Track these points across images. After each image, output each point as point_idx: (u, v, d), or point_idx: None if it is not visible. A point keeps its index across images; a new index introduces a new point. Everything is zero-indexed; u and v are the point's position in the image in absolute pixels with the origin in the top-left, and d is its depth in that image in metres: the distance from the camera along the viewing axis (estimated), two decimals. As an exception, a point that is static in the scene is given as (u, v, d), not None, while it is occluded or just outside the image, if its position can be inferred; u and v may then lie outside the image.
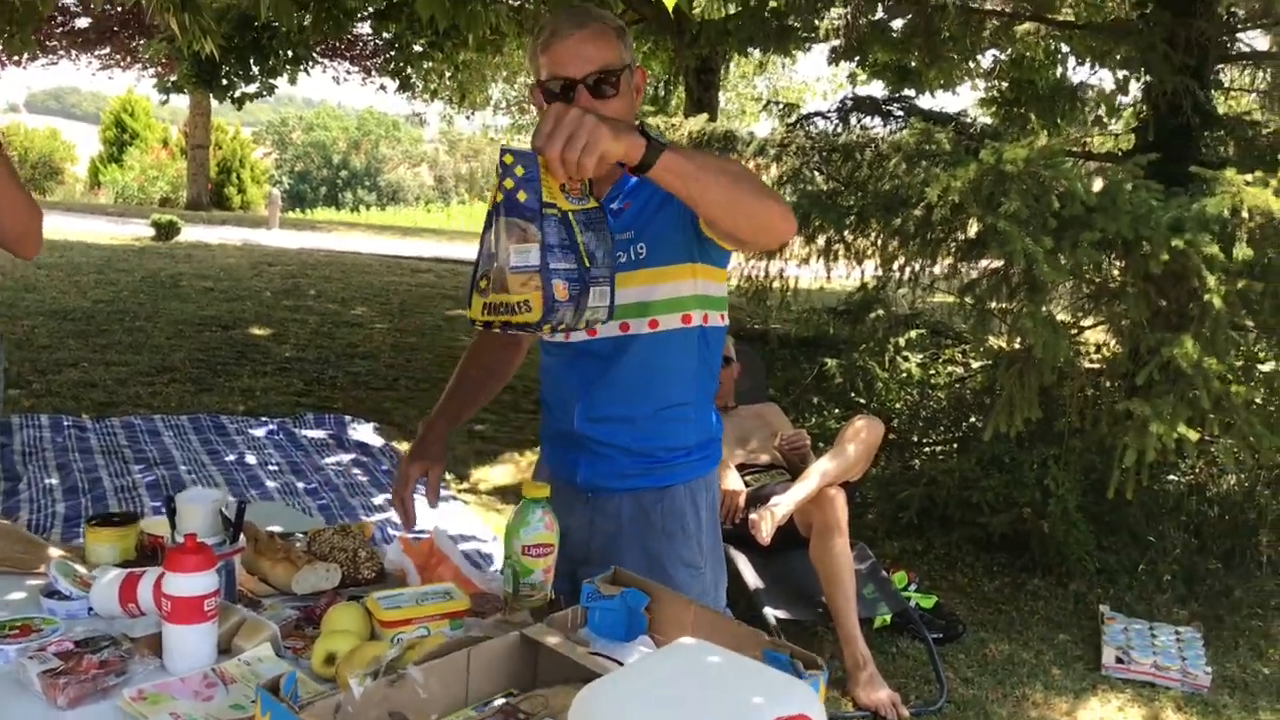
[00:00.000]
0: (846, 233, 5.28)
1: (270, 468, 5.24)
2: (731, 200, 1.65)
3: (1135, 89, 6.36)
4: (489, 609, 1.77)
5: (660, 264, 1.90)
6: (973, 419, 5.70)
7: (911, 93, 8.52)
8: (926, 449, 5.82)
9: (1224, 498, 5.04)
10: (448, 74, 15.59)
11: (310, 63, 12.83)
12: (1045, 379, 3.95)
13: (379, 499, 4.92)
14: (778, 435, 4.23)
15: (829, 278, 5.79)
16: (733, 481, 3.95)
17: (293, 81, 12.47)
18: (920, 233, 4.58)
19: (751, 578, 3.74)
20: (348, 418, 6.19)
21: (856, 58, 8.02)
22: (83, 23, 19.01)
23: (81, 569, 1.87)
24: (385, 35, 12.53)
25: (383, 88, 22.48)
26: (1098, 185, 4.24)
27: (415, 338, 9.12)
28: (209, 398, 6.58)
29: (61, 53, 19.88)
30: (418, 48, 11.88)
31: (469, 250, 17.45)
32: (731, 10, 7.19)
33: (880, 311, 6.04)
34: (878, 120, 6.63)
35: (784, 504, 3.66)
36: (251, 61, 11.28)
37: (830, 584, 3.62)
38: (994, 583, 4.60)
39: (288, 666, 1.56)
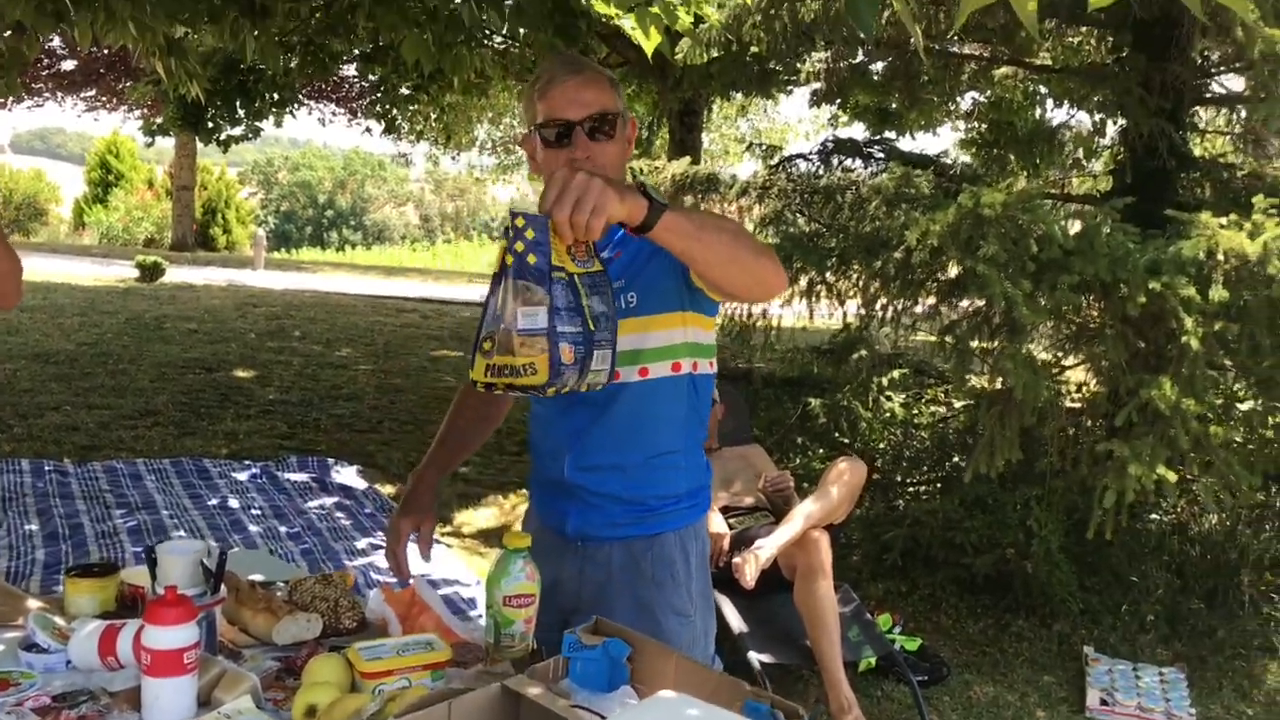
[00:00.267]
0: (828, 274, 5.32)
1: (253, 512, 5.22)
2: (727, 258, 1.69)
3: (1112, 131, 6.44)
4: (471, 659, 1.77)
5: (651, 312, 1.91)
6: (956, 459, 5.72)
7: (892, 134, 8.62)
8: (910, 489, 5.83)
9: (1206, 537, 5.06)
10: (433, 116, 15.70)
11: (296, 105, 12.90)
12: (1026, 420, 3.97)
13: (362, 543, 4.90)
14: (762, 477, 4.24)
15: (811, 317, 5.82)
16: (717, 524, 3.95)
17: (278, 124, 12.52)
18: (901, 274, 4.62)
19: (736, 621, 3.73)
20: (331, 460, 6.18)
21: (838, 100, 8.11)
22: (69, 65, 19.08)
23: (60, 621, 1.86)
24: (371, 77, 12.60)
25: (368, 130, 22.58)
26: (1076, 228, 4.29)
27: (400, 379, 9.11)
28: (192, 441, 6.56)
29: (47, 95, 19.93)
30: (403, 90, 11.97)
31: (454, 290, 17.48)
32: (714, 54, 7.25)
33: (863, 351, 6.07)
34: (859, 162, 6.70)
35: (768, 547, 3.66)
36: (237, 104, 11.31)
37: (815, 627, 3.62)
38: (978, 624, 4.60)
39: (268, 719, 1.56)
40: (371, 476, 6.08)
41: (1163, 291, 3.70)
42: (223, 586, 1.91)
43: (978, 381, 5.29)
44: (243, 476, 5.81)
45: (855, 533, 5.21)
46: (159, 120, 15.26)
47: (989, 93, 7.87)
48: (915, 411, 6.31)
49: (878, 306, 5.21)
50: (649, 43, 3.96)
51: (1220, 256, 3.79)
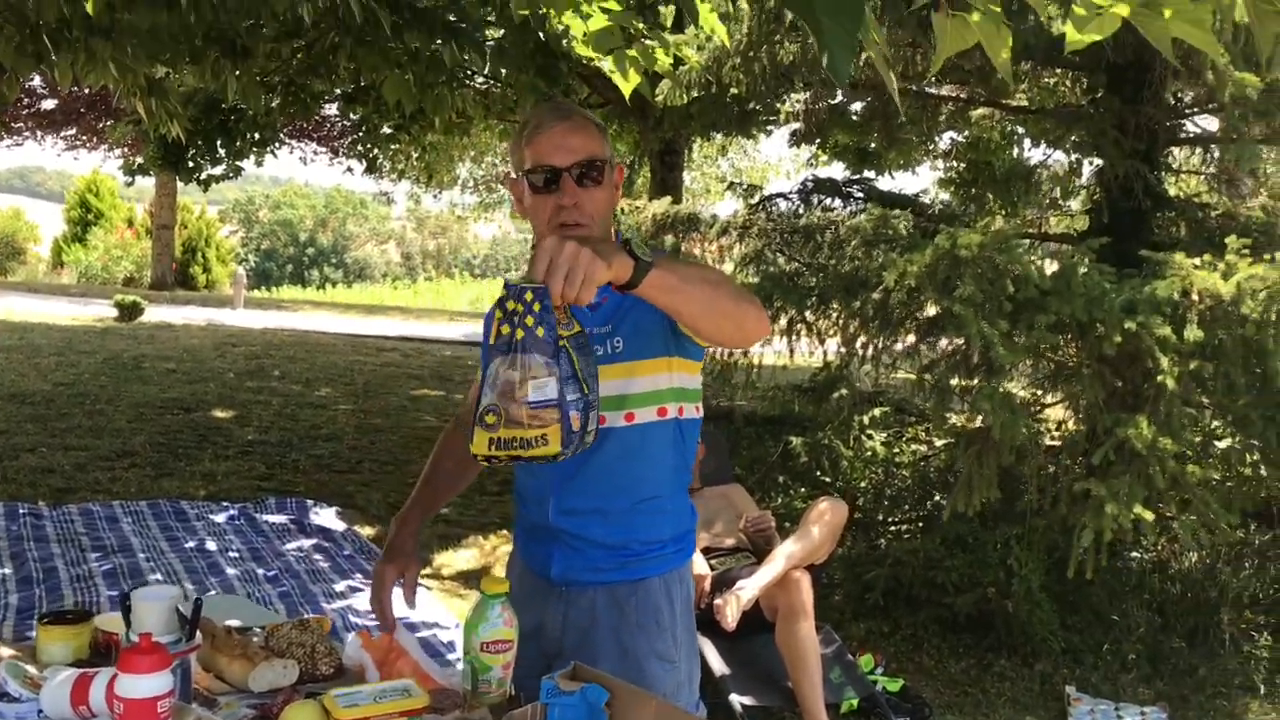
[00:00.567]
0: (808, 313, 5.35)
1: (230, 554, 5.17)
2: (711, 310, 1.71)
3: (1088, 172, 6.51)
4: (448, 705, 1.75)
5: (637, 358, 1.91)
6: (937, 497, 5.73)
7: (872, 174, 8.69)
8: (892, 528, 5.83)
9: (1186, 575, 5.07)
10: (415, 155, 15.76)
11: (277, 144, 12.94)
12: (1004, 459, 3.99)
13: (340, 585, 4.86)
14: (743, 517, 4.23)
15: (792, 356, 5.84)
16: (698, 565, 3.94)
17: (259, 163, 12.54)
18: (880, 314, 4.65)
19: (717, 663, 3.72)
20: (310, 502, 6.13)
21: (817, 140, 8.18)
22: (49, 104, 19.10)
23: (32, 669, 1.84)
24: (352, 117, 12.65)
25: (350, 169, 22.64)
26: (1053, 267, 4.33)
27: (380, 419, 9.07)
28: (169, 482, 6.51)
29: (27, 133, 19.93)
30: (385, 129, 12.02)
31: (435, 329, 17.46)
32: (694, 95, 7.32)
33: (844, 390, 6.08)
34: (838, 201, 6.75)
35: (749, 588, 3.65)
36: (218, 144, 11.33)
37: (796, 669, 3.60)
38: (960, 664, 4.59)
39: (242, 770, 1.54)
40: (351, 518, 6.04)
41: (1138, 331, 3.73)
42: (198, 633, 1.90)
43: (957, 420, 5.31)
44: (220, 518, 5.76)
45: (837, 572, 5.20)
46: (139, 160, 15.26)
47: (966, 133, 7.94)
48: (896, 450, 6.32)
49: (858, 345, 5.23)
50: (627, 85, 4.01)
51: (1195, 296, 3.83)
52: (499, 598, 1.74)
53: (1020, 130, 7.75)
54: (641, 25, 4.08)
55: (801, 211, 6.50)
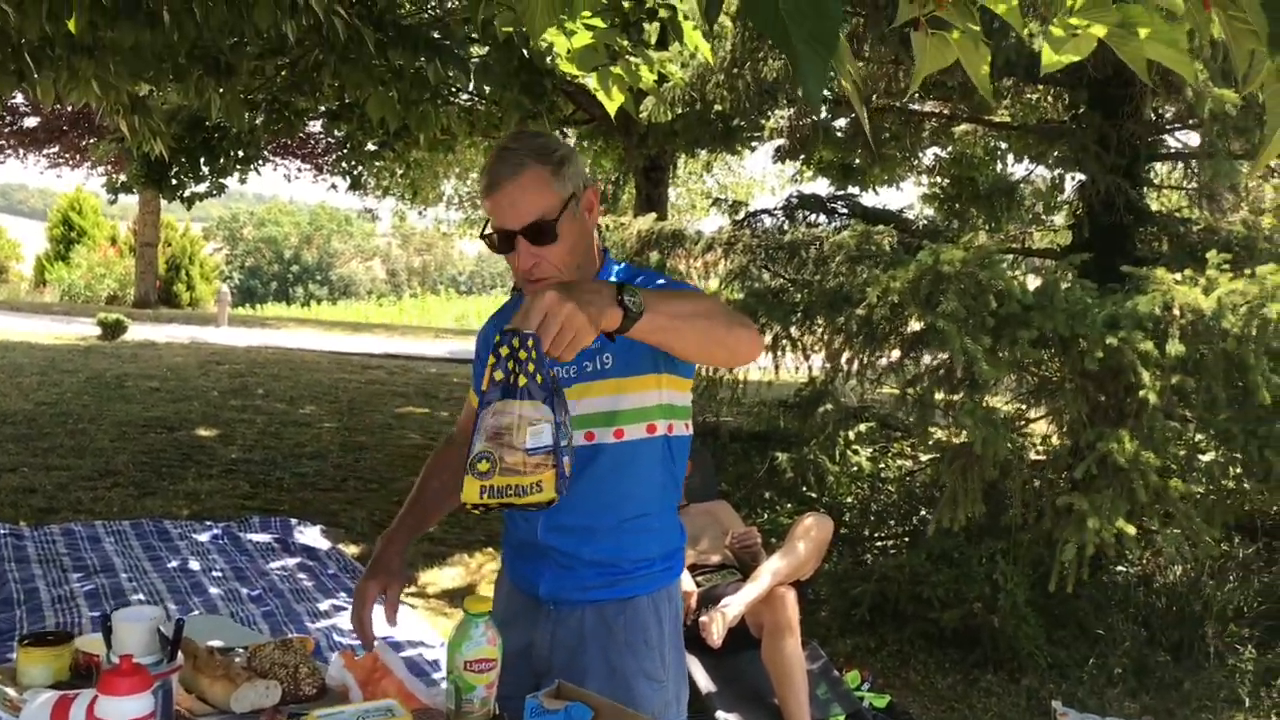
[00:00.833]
0: (793, 328, 5.37)
1: (214, 574, 5.14)
2: (704, 343, 1.72)
3: (1071, 186, 6.56)
4: (432, 726, 1.74)
5: (626, 374, 1.91)
6: (923, 512, 5.74)
7: (856, 189, 8.73)
8: (878, 544, 5.84)
9: (1171, 588, 5.09)
10: (399, 172, 15.77)
11: (261, 162, 12.90)
12: (988, 474, 4.00)
13: (325, 604, 4.83)
14: (729, 534, 4.23)
15: (777, 372, 5.85)
16: (684, 582, 3.93)
17: (243, 181, 12.50)
18: (864, 329, 4.67)
19: (703, 680, 3.71)
20: (294, 521, 6.10)
21: (801, 156, 8.21)
22: (31, 122, 19.06)
23: (12, 691, 1.82)
24: (337, 134, 12.64)
25: (334, 186, 22.65)
26: (1036, 283, 4.35)
27: (364, 436, 9.04)
28: (152, 502, 6.47)
29: (9, 151, 19.87)
30: (369, 147, 12.00)
31: (420, 346, 17.42)
32: (678, 112, 7.35)
33: (829, 405, 6.10)
34: (823, 217, 6.78)
35: (735, 605, 3.65)
36: (202, 161, 11.29)
37: (782, 685, 3.60)
38: (947, 679, 4.58)
39: (223, 793, 1.53)
40: (335, 536, 6.01)
41: (1120, 346, 3.75)
42: (179, 653, 1.88)
43: (942, 435, 5.33)
44: (204, 538, 5.72)
45: (823, 588, 5.20)
46: (123, 177, 15.20)
47: (950, 148, 8.00)
48: (882, 465, 6.33)
49: (843, 360, 5.25)
50: (612, 102, 4.03)
51: (1176, 311, 3.85)
52: (482, 616, 1.73)
53: (1003, 146, 7.81)
54: (626, 42, 4.10)
55: (786, 227, 6.53)
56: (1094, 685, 4.54)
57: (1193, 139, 6.80)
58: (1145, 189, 6.07)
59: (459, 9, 7.12)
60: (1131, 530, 3.69)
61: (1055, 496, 4.13)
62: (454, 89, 8.76)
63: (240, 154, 11.33)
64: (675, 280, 2.04)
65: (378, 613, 2.06)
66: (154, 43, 4.59)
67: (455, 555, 5.93)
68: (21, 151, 19.96)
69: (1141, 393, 3.72)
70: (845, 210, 6.85)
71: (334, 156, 15.95)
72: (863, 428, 6.36)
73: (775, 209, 6.89)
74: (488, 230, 1.90)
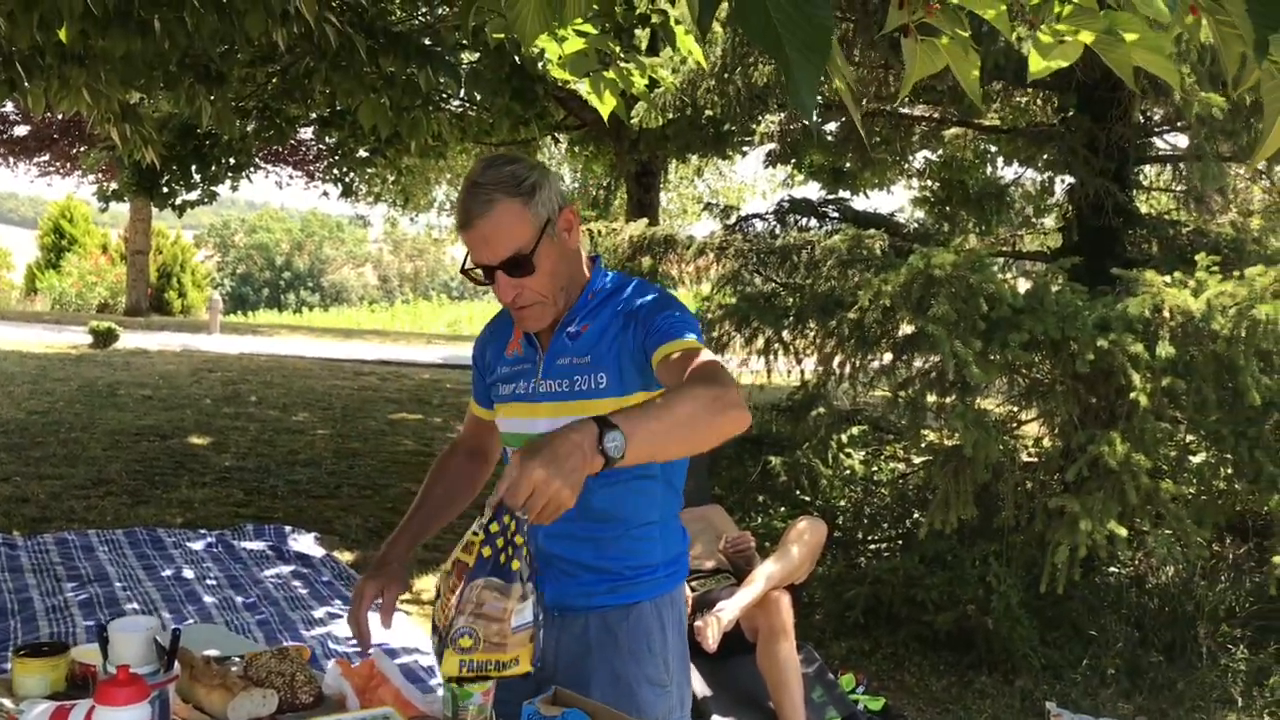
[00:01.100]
0: (785, 332, 5.38)
1: (208, 582, 5.13)
2: (691, 444, 1.73)
3: (1060, 190, 6.58)
4: (429, 733, 1.75)
5: (621, 393, 1.92)
6: (916, 515, 5.75)
7: (847, 193, 8.75)
8: (871, 547, 5.85)
9: (1163, 589, 5.10)
10: (391, 178, 15.76)
11: (252, 169, 12.90)
12: (980, 476, 4.01)
13: (320, 612, 4.83)
14: (722, 538, 4.23)
15: (770, 375, 5.85)
16: (678, 586, 3.94)
17: (234, 188, 12.50)
18: (855, 333, 4.68)
19: (699, 685, 3.71)
20: (288, 528, 6.09)
21: (792, 160, 8.23)
22: (22, 130, 19.02)
23: (8, 703, 1.82)
24: (328, 140, 12.65)
25: (326, 193, 22.64)
26: (1026, 286, 4.37)
27: (358, 443, 9.04)
28: (146, 510, 6.46)
29: (-1, 160, 19.83)
30: (361, 153, 12.02)
31: (413, 352, 17.39)
32: (669, 117, 7.36)
33: (822, 408, 6.11)
34: (814, 221, 6.79)
35: (729, 609, 3.65)
36: (193, 169, 11.29)
37: (777, 689, 3.60)
38: (941, 681, 4.60)
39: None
40: (329, 543, 6.00)
41: (1111, 348, 3.77)
42: (176, 663, 1.89)
43: (934, 437, 5.34)
44: (198, 546, 5.72)
45: (817, 592, 5.20)
46: (114, 185, 15.19)
47: (940, 152, 8.02)
48: (875, 468, 6.34)
49: (835, 364, 5.26)
50: (604, 107, 4.03)
51: (1166, 313, 3.87)
52: (479, 623, 1.73)
53: (993, 149, 7.83)
54: (617, 48, 4.11)
55: (778, 232, 6.53)
56: (1088, 686, 4.55)
57: (1181, 141, 6.83)
58: (1134, 192, 6.09)
59: (450, 16, 7.13)
60: (1123, 531, 3.71)
61: (1047, 498, 4.15)
62: (445, 95, 8.76)
63: (231, 161, 11.34)
64: (666, 292, 2.03)
65: (372, 616, 2.06)
66: (145, 51, 4.59)
67: (450, 561, 5.91)
68: (12, 160, 19.93)
69: (1132, 395, 3.74)
70: (836, 214, 6.86)
71: (325, 163, 15.93)
72: (855, 431, 6.37)
73: (766, 213, 6.90)
74: (467, 265, 1.92)
